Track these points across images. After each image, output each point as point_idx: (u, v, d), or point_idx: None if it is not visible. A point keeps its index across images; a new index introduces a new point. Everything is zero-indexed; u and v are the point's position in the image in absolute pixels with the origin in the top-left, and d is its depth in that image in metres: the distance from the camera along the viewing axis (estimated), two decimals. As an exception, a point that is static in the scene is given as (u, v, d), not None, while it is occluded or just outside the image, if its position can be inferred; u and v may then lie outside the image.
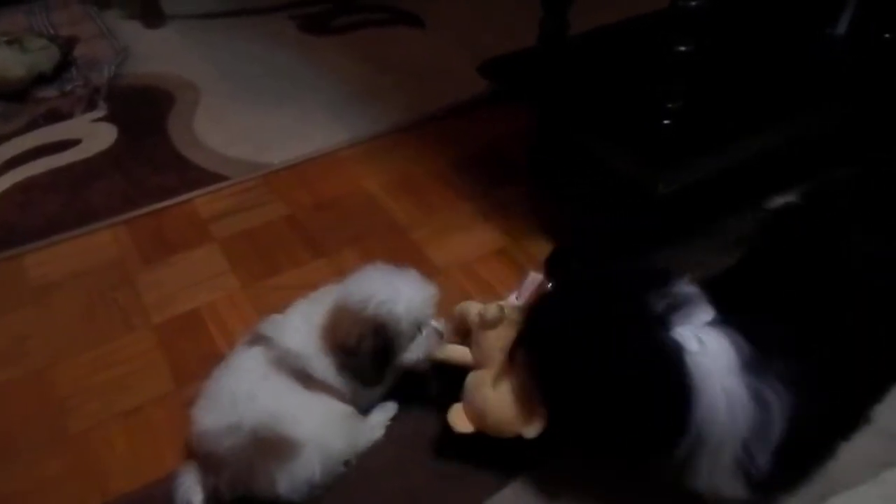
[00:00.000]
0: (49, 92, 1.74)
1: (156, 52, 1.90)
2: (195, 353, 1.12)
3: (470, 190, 1.42)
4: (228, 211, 1.39)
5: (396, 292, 0.91)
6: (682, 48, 0.96)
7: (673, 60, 0.98)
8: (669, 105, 1.05)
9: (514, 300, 1.02)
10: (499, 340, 0.91)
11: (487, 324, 0.92)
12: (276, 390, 0.89)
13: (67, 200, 1.41)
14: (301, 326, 0.93)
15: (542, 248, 1.28)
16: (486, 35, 1.86)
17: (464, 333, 0.98)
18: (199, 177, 1.46)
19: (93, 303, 1.21)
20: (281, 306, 1.17)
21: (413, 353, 0.94)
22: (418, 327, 0.93)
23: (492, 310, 0.92)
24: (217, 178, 1.46)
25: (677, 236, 1.25)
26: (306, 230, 1.34)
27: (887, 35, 1.34)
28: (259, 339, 0.93)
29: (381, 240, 1.32)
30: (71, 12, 2.11)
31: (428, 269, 1.24)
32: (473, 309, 0.96)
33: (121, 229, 1.35)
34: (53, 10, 2.11)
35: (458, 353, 0.96)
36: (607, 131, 1.14)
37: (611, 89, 1.24)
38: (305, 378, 0.90)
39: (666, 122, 1.04)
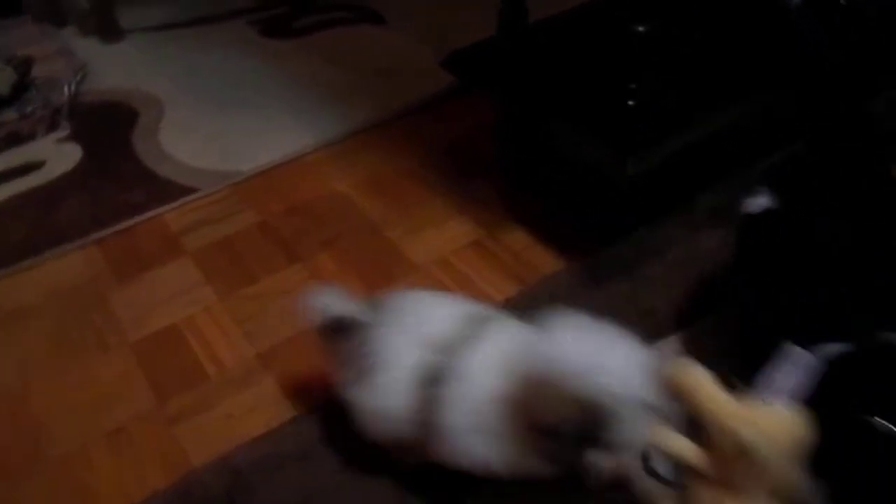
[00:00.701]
0: (8, 115, 1.70)
1: (116, 68, 1.88)
2: (175, 368, 1.11)
3: (442, 185, 1.41)
4: (199, 223, 1.37)
5: (609, 362, 0.73)
6: (641, 28, 0.96)
7: (632, 41, 0.98)
8: (632, 86, 1.05)
9: (770, 393, 0.75)
10: (767, 469, 0.65)
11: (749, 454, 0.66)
12: None
13: (35, 224, 1.39)
14: (489, 366, 0.79)
15: (515, 238, 1.28)
16: (449, 29, 1.85)
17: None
18: (167, 191, 1.44)
19: (67, 325, 1.19)
20: (258, 314, 1.18)
21: (625, 439, 0.73)
22: (634, 407, 0.74)
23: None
24: (186, 190, 1.44)
25: (649, 215, 1.25)
26: (280, 236, 1.33)
27: (843, 2, 1.35)
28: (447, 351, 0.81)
29: (355, 241, 1.31)
30: (25, 31, 2.07)
31: (405, 267, 1.25)
32: (704, 387, 0.70)
33: (91, 249, 1.34)
34: (7, 29, 2.07)
35: (684, 449, 0.73)
36: (573, 116, 1.14)
37: (575, 74, 1.24)
38: None
39: (630, 103, 1.04)
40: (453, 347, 0.81)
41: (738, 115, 1.17)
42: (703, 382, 0.71)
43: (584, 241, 1.25)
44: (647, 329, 1.06)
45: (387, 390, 0.83)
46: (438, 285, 1.21)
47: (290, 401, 1.04)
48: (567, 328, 0.78)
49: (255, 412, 1.03)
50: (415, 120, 1.59)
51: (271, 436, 0.98)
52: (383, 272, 1.25)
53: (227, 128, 1.61)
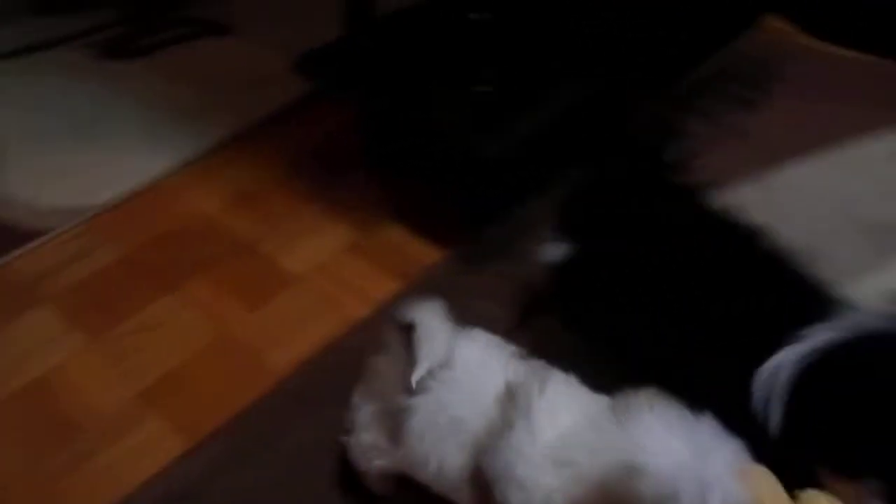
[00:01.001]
0: None
1: (-63, 110, 1.71)
2: (47, 424, 1.03)
3: (312, 191, 1.38)
4: (56, 265, 1.28)
5: (710, 481, 0.61)
6: (478, 16, 0.98)
7: (472, 27, 1.00)
8: (483, 70, 1.07)
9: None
10: None
11: None
12: None
13: None
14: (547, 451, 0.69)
15: (393, 234, 1.28)
16: (297, 33, 1.81)
17: None
18: (14, 236, 1.33)
19: (-85, 398, 1.08)
20: (133, 352, 1.12)
21: None
22: None
23: None
24: (36, 233, 1.34)
25: (521, 194, 1.28)
26: (147, 268, 1.26)
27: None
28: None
29: (229, 261, 1.27)
30: None
31: (285, 280, 1.22)
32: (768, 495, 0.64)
33: (-66, 310, 1.22)
34: None
35: None
36: (429, 105, 1.14)
37: (427, 63, 1.25)
38: None
39: (481, 86, 1.06)
40: (502, 439, 0.71)
41: (588, 91, 1.21)
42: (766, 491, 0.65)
43: (460, 228, 1.26)
44: (529, 305, 1.10)
45: (432, 469, 0.76)
46: (321, 294, 1.19)
47: (179, 436, 0.99)
48: (648, 417, 0.66)
49: (143, 455, 0.97)
50: (275, 129, 1.55)
51: (161, 476, 0.94)
52: (263, 289, 1.21)
53: (74, 161, 1.51)
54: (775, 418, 0.71)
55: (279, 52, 1.70)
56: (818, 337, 0.72)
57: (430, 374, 0.77)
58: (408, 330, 0.81)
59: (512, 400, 0.73)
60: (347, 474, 0.91)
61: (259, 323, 1.16)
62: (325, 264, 1.24)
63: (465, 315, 0.93)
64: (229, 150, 1.50)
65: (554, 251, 0.90)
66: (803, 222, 1.09)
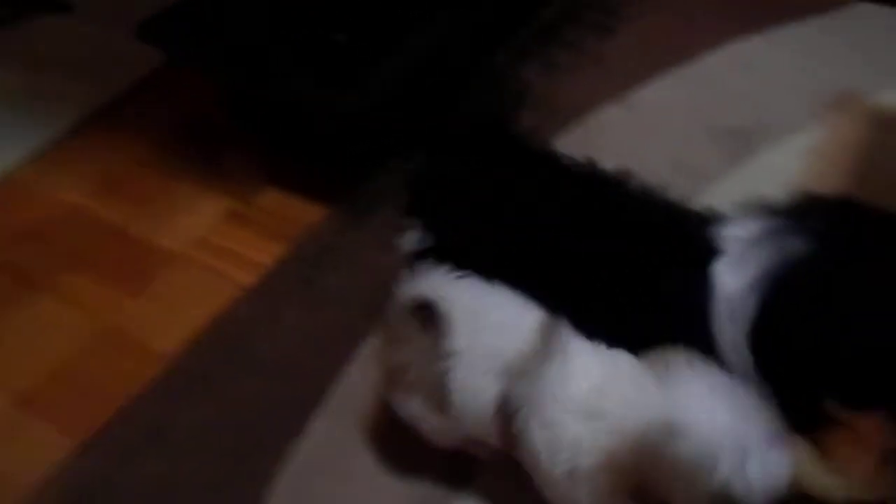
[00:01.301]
0: None
1: None
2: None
3: (181, 166, 1.32)
4: None
5: (750, 447, 0.60)
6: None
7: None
8: (336, 19, 1.04)
9: None
10: None
11: None
12: None
13: None
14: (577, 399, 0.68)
15: (272, 198, 1.24)
16: (144, 6, 1.71)
17: None
18: None
19: None
20: (7, 358, 1.05)
21: None
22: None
23: None
24: None
25: (395, 143, 1.27)
26: (11, 268, 1.18)
27: None
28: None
29: (101, 249, 1.20)
30: None
31: (164, 259, 1.17)
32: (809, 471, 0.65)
33: None
34: None
35: None
36: (283, 63, 1.11)
37: (277, 18, 1.20)
38: None
39: (338, 35, 1.04)
40: (535, 372, 0.69)
41: (449, 32, 1.20)
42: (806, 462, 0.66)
43: (340, 185, 1.24)
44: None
45: (464, 420, 0.74)
46: (205, 268, 1.16)
47: (67, 437, 0.95)
48: (689, 376, 0.64)
49: (30, 462, 0.93)
50: (132, 107, 1.45)
51: (55, 478, 0.90)
52: (142, 273, 1.16)
53: None
54: (745, 357, 0.69)
55: (125, 26, 1.60)
56: (757, 262, 0.69)
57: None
58: (422, 309, 0.76)
59: (550, 332, 0.72)
60: (250, 449, 0.91)
61: (142, 308, 1.12)
62: (205, 238, 1.20)
63: (355, 266, 0.92)
64: (85, 135, 1.41)
65: (410, 240, 0.86)
66: (663, 136, 1.15)
